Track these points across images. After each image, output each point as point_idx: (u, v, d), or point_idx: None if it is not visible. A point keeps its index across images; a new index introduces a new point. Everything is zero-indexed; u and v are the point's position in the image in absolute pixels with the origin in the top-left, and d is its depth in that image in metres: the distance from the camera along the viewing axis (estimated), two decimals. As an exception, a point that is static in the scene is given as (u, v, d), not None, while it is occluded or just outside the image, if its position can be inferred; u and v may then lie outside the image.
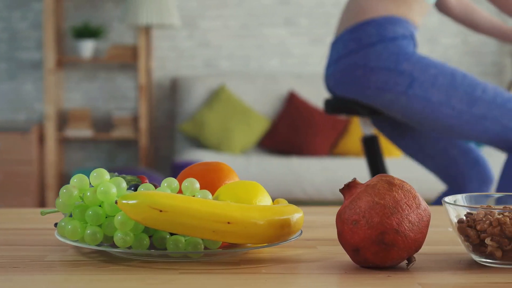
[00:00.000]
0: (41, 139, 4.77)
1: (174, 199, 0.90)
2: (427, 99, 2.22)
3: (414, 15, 2.30)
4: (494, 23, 2.49)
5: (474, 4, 2.51)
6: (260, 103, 4.90)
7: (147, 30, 4.80)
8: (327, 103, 2.43)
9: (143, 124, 4.78)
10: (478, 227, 0.94)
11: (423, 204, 0.92)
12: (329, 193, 4.32)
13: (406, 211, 0.90)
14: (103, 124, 5.01)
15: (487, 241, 0.93)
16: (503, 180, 2.27)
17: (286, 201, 1.04)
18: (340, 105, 2.38)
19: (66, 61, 4.83)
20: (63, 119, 4.95)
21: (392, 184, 0.92)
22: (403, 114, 2.26)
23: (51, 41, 4.69)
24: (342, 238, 0.92)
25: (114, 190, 0.92)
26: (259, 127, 4.81)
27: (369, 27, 2.25)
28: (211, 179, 1.07)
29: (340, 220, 0.92)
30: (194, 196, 0.97)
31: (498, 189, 2.26)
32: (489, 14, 2.51)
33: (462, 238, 0.96)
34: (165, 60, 5.05)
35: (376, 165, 2.48)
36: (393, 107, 2.26)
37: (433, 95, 2.22)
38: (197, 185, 0.98)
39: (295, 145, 4.75)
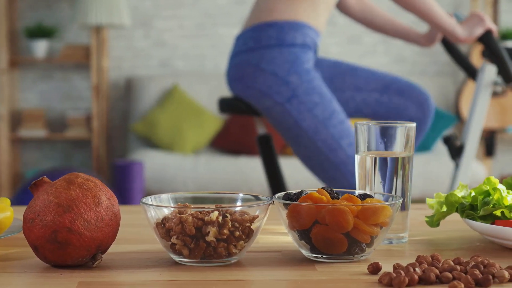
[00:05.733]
0: (-6, 139, 4.80)
1: None
2: (297, 121, 2.20)
3: (319, 18, 2.27)
4: (394, 23, 2.48)
5: (374, 4, 2.50)
6: (213, 103, 4.91)
7: (98, 30, 4.81)
8: (221, 102, 2.44)
9: (96, 124, 4.80)
10: (167, 226, 0.94)
11: (106, 203, 0.93)
12: (274, 192, 4.32)
13: (82, 210, 0.91)
14: (58, 124, 5.03)
15: (173, 239, 0.94)
16: None
17: (9, 201, 1.05)
18: (231, 103, 2.39)
19: (20, 61, 4.85)
20: (17, 119, 4.98)
21: (71, 182, 0.92)
22: (274, 123, 2.26)
23: (4, 41, 4.71)
24: (25, 236, 0.93)
25: None
26: (211, 127, 4.81)
27: (271, 29, 2.24)
28: None
29: (23, 218, 0.93)
30: None
31: None
32: (389, 14, 2.50)
33: (159, 236, 0.96)
34: (121, 60, 5.07)
35: (270, 164, 2.48)
36: (268, 113, 2.25)
37: (304, 121, 2.19)
38: None
39: (247, 145, 4.76)
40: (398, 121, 1.06)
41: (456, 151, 2.52)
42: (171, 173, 4.38)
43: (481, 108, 2.52)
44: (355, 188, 2.21)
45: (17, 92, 5.00)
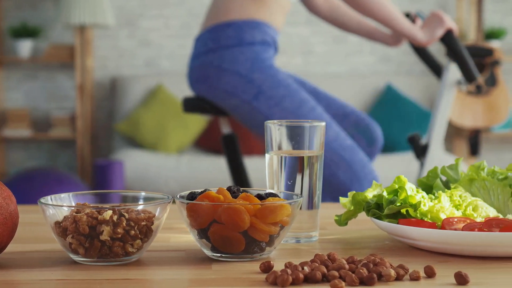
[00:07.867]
0: (-22, 138, 4.80)
1: None
2: (267, 116, 2.20)
3: (275, 17, 2.28)
4: (362, 23, 2.47)
5: (342, 4, 2.49)
6: (197, 103, 4.90)
7: (82, 29, 4.82)
8: (185, 101, 2.44)
9: (80, 123, 4.80)
10: (63, 225, 0.94)
11: (0, 202, 0.93)
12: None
13: (-26, 209, 0.91)
14: (42, 124, 5.03)
15: (69, 238, 0.94)
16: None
17: None
18: (196, 103, 2.39)
19: (4, 61, 4.86)
20: (2, 119, 4.98)
21: (-35, 181, 0.92)
22: (245, 122, 2.26)
23: (-12, 41, 4.72)
24: None
25: None
26: (196, 127, 4.81)
27: (229, 29, 2.24)
28: None
29: None
30: None
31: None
32: (356, 14, 2.49)
33: (56, 235, 0.96)
34: (106, 60, 5.07)
35: (235, 163, 2.48)
36: (236, 112, 2.25)
37: (274, 115, 2.19)
38: None
39: (231, 144, 4.75)
40: (308, 120, 1.06)
41: (420, 151, 2.52)
42: (154, 172, 4.38)
43: (445, 107, 2.51)
44: (335, 178, 2.19)
45: (1, 92, 5.00)
